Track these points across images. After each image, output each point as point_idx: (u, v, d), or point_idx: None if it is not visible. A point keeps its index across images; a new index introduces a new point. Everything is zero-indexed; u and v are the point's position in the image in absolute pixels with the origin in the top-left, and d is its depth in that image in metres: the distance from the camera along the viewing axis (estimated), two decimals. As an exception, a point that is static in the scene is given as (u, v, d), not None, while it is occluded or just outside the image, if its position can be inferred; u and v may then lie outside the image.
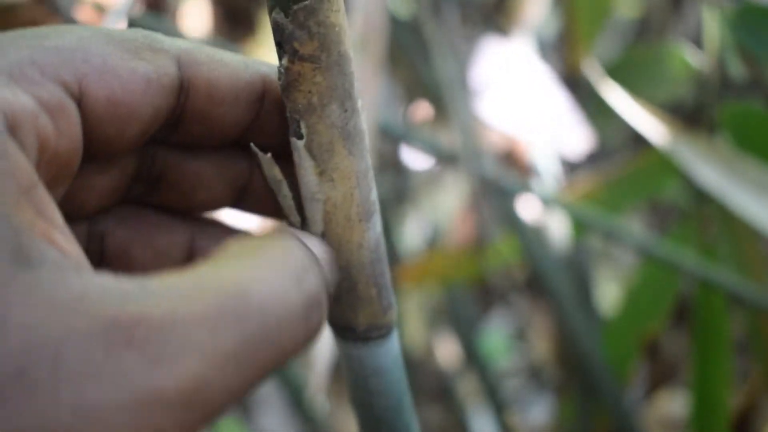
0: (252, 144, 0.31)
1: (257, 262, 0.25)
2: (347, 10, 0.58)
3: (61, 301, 0.21)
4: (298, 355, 0.25)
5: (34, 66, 0.25)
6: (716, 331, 0.77)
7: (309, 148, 0.29)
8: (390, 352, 0.33)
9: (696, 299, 0.77)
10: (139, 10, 0.80)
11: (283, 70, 0.29)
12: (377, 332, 0.32)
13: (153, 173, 0.32)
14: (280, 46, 0.28)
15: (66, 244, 0.23)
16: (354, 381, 0.33)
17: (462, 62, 0.73)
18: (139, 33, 0.28)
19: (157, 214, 0.33)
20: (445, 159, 0.76)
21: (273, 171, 0.31)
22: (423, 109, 0.96)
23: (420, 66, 0.80)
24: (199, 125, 0.30)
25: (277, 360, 0.24)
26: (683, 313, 0.87)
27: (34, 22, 0.65)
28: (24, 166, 0.23)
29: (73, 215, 0.30)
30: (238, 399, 0.23)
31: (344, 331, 0.33)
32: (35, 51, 0.25)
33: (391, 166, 1.19)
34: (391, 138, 0.74)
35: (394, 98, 0.95)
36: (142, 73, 0.27)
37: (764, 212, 0.62)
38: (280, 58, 0.29)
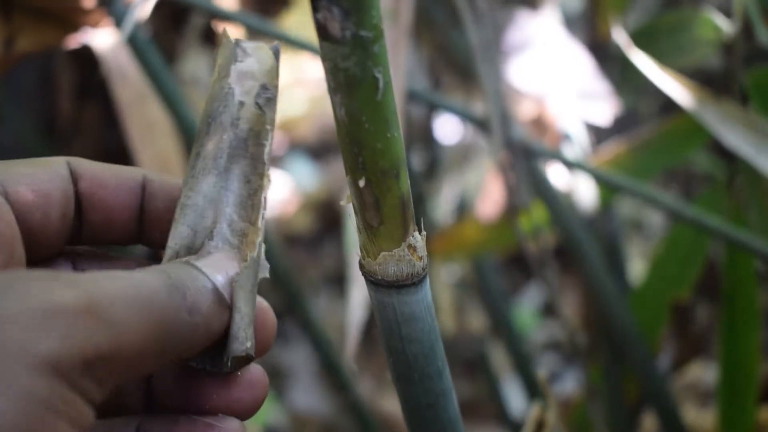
0: None
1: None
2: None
3: None
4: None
5: None
6: (745, 301, 0.77)
7: None
8: (422, 300, 0.34)
9: (725, 268, 0.77)
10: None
11: None
12: (410, 280, 0.33)
13: None
14: None
15: None
16: (387, 328, 0.34)
17: (491, 30, 0.73)
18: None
19: None
20: (475, 124, 0.77)
21: None
22: (452, 78, 0.97)
23: (449, 35, 0.80)
24: (94, 211, 0.37)
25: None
26: (713, 286, 0.87)
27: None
28: None
29: None
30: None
31: (379, 280, 0.34)
32: None
33: (422, 139, 1.20)
34: (421, 105, 0.75)
35: (424, 67, 0.96)
36: (42, 171, 0.36)
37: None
38: None
